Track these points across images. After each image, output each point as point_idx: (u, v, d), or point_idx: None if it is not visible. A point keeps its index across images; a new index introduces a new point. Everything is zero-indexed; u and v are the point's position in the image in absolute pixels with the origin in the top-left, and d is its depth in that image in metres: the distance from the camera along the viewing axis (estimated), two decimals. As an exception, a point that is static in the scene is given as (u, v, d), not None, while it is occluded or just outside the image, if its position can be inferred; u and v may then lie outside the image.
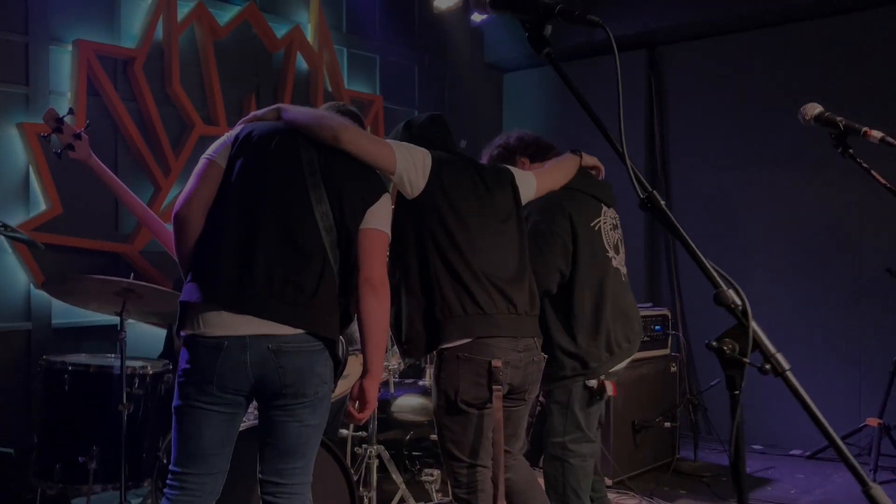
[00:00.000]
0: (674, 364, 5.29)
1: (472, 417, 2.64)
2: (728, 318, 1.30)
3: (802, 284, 5.79)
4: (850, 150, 2.19)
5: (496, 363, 2.57)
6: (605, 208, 3.16)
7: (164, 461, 3.21)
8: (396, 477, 3.84)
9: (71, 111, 3.32)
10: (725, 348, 1.30)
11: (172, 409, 2.40)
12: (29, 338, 4.29)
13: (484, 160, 3.18)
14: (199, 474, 2.38)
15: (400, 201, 2.66)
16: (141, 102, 4.70)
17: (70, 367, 3.47)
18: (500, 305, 2.65)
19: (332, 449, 3.21)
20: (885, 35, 5.48)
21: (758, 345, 1.29)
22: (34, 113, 4.19)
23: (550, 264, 2.95)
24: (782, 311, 5.80)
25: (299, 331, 2.32)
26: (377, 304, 2.41)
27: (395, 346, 3.33)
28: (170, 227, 2.75)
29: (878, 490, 1.19)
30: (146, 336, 4.37)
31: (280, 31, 5.44)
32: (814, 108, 2.26)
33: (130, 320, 3.68)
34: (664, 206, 1.38)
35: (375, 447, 3.71)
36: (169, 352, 4.02)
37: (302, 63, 5.59)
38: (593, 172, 3.21)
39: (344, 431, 3.87)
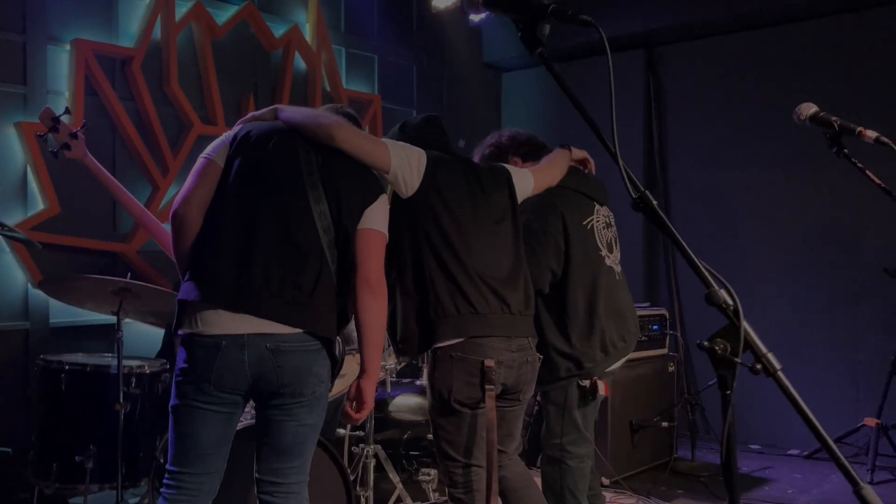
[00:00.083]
0: (671, 364, 5.29)
1: (465, 417, 2.64)
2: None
3: (800, 284, 5.79)
4: (845, 150, 2.19)
5: (489, 363, 2.57)
6: (597, 206, 3.15)
7: (161, 461, 3.22)
8: (393, 476, 3.84)
9: (67, 110, 3.32)
10: (717, 348, 1.30)
11: (169, 409, 2.40)
12: (27, 337, 4.29)
13: (476, 159, 3.17)
14: (195, 474, 2.38)
15: (395, 201, 2.67)
16: (139, 102, 4.70)
17: (67, 367, 3.48)
18: (494, 305, 2.65)
19: (328, 448, 3.21)
20: (884, 35, 5.48)
21: (749, 345, 1.29)
22: (32, 112, 4.19)
23: (542, 264, 2.94)
24: (780, 310, 5.80)
25: (297, 330, 2.33)
26: (375, 304, 2.42)
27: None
28: (167, 227, 2.76)
29: (868, 490, 1.19)
30: (144, 335, 4.37)
31: (278, 30, 5.45)
32: (809, 108, 2.27)
33: (128, 320, 3.68)
34: (656, 207, 1.38)
35: (372, 446, 3.72)
36: (167, 351, 4.02)
37: (300, 63, 5.59)
38: (581, 168, 3.20)
39: (341, 431, 3.87)
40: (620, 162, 1.39)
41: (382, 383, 4.01)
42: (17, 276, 4.26)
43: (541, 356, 2.84)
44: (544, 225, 2.97)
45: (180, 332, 2.38)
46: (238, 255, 2.34)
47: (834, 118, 2.20)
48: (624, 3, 6.15)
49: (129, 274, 3.57)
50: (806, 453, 5.55)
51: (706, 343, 1.29)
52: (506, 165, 2.95)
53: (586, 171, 3.21)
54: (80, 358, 3.68)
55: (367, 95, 6.05)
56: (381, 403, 4.13)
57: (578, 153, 3.16)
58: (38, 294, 4.19)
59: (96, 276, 3.44)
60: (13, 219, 4.20)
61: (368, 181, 2.53)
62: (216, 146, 2.49)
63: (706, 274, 1.32)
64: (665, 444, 5.18)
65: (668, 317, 5.37)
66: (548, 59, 1.51)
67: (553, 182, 3.03)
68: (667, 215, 5.66)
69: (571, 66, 6.39)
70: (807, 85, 5.59)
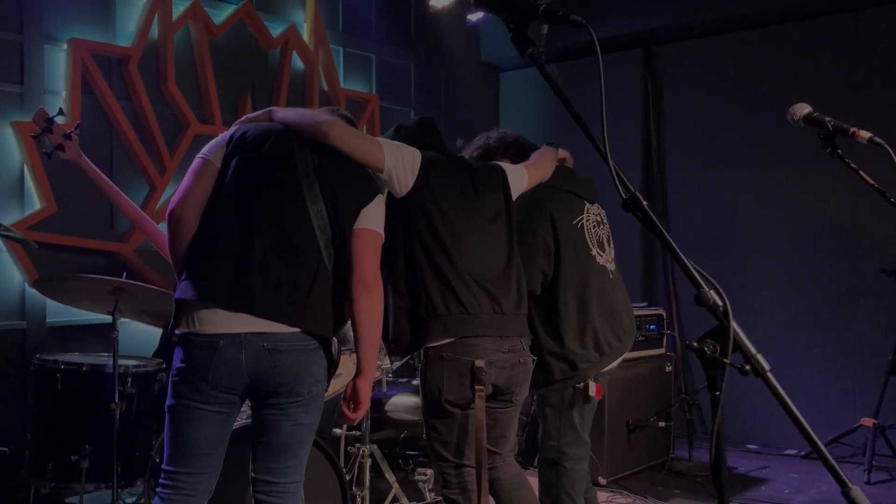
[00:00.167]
0: (669, 364, 5.29)
1: (456, 417, 2.64)
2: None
3: (798, 284, 5.79)
4: (839, 151, 2.19)
5: (479, 363, 2.57)
6: (587, 205, 3.12)
7: (157, 460, 3.22)
8: (389, 476, 3.84)
9: (61, 111, 3.31)
10: (706, 349, 1.30)
11: (166, 408, 2.40)
12: (23, 336, 4.29)
13: None
14: (192, 473, 2.38)
15: (389, 201, 2.67)
16: (136, 101, 4.70)
17: (63, 366, 3.48)
18: (485, 305, 2.65)
19: (324, 448, 3.21)
20: (882, 35, 5.48)
21: (738, 346, 1.29)
22: (29, 112, 4.19)
23: (532, 265, 2.92)
24: (778, 310, 5.81)
25: (295, 329, 2.33)
26: (371, 304, 2.43)
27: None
28: (162, 228, 2.76)
29: (857, 492, 1.19)
30: (140, 335, 4.37)
31: (276, 30, 5.44)
32: (802, 109, 2.26)
33: (125, 319, 3.68)
34: (646, 207, 1.38)
35: (368, 446, 3.71)
36: (165, 350, 4.02)
37: (298, 62, 5.58)
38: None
39: (337, 431, 3.87)
40: (611, 162, 1.39)
41: (378, 383, 4.01)
42: (14, 275, 4.26)
43: (534, 358, 2.84)
44: (533, 226, 2.95)
45: (177, 331, 2.38)
46: (235, 255, 2.35)
47: (827, 118, 2.20)
48: (622, 2, 6.14)
49: (124, 273, 3.57)
50: (803, 453, 5.55)
51: (695, 344, 1.29)
52: (500, 164, 2.95)
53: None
54: (75, 357, 3.68)
55: (365, 95, 6.05)
56: (378, 403, 4.13)
57: (562, 153, 3.16)
58: (34, 293, 4.18)
59: (91, 275, 3.44)
60: (10, 218, 4.20)
61: (365, 181, 2.54)
62: (212, 146, 2.51)
63: (696, 275, 1.32)
64: (662, 444, 5.18)
65: (665, 317, 5.36)
66: (539, 60, 1.51)
67: (545, 177, 3.03)
68: (664, 214, 5.65)
69: (568, 66, 6.39)
70: (806, 85, 5.59)
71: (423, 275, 2.63)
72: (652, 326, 5.20)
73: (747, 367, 1.29)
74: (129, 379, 3.49)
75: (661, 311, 5.37)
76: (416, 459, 4.22)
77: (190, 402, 2.34)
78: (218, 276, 2.34)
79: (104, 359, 3.64)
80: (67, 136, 3.20)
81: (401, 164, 2.63)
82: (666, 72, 6.46)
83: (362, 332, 2.43)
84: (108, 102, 4.56)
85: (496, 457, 2.80)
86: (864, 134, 2.11)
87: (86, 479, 3.38)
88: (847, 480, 1.20)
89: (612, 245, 3.22)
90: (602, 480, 4.65)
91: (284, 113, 2.56)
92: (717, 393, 1.30)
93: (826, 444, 5.03)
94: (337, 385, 3.48)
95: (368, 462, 3.70)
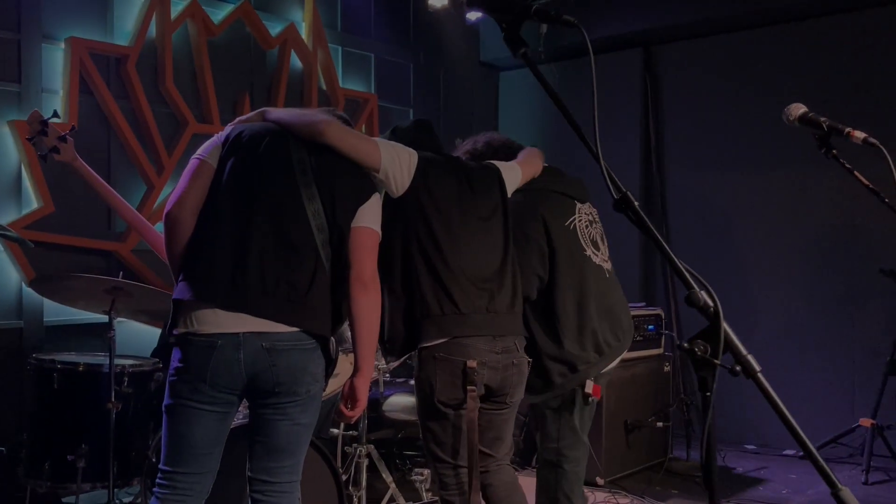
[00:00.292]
0: (667, 364, 5.28)
1: (449, 418, 2.64)
2: (724, 318, 1.30)
3: (796, 285, 5.78)
4: (834, 151, 2.19)
5: (471, 363, 2.57)
6: (578, 205, 3.10)
7: (154, 460, 3.22)
8: (386, 476, 3.84)
9: (55, 113, 3.30)
10: (697, 350, 1.29)
11: (163, 408, 2.40)
12: (21, 336, 4.29)
13: None
14: (189, 473, 2.38)
15: (385, 201, 2.67)
16: (134, 101, 4.69)
17: (59, 366, 3.48)
18: (479, 304, 2.65)
19: (320, 448, 3.21)
20: (882, 35, 5.48)
21: (729, 346, 1.29)
22: (26, 111, 4.18)
23: (528, 270, 2.90)
24: (776, 310, 5.80)
25: (293, 329, 2.34)
26: (368, 303, 2.43)
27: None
28: (159, 228, 2.75)
29: (846, 493, 1.19)
30: (138, 334, 4.37)
31: (274, 29, 5.44)
32: (798, 109, 2.26)
33: (121, 319, 3.68)
34: (638, 208, 1.38)
35: (365, 446, 3.71)
36: (163, 349, 4.02)
37: (296, 61, 5.58)
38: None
39: (334, 430, 3.87)
40: (602, 163, 1.39)
41: (376, 383, 4.01)
42: (11, 274, 4.26)
43: (529, 360, 2.82)
44: (526, 231, 2.93)
45: (175, 331, 2.38)
46: (233, 255, 2.35)
47: (823, 119, 2.19)
48: (622, 2, 6.14)
49: (121, 273, 3.57)
50: (801, 454, 5.53)
51: (686, 344, 1.29)
52: (495, 162, 2.94)
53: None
54: (72, 357, 3.68)
55: (364, 94, 6.04)
56: (375, 403, 4.12)
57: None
58: (32, 293, 4.18)
59: (88, 274, 3.44)
60: (7, 217, 4.20)
61: (362, 180, 2.54)
62: (208, 146, 2.51)
63: (687, 275, 1.32)
64: (660, 445, 5.18)
65: (663, 317, 5.35)
66: (531, 60, 1.51)
67: (537, 172, 3.03)
68: (663, 214, 5.64)
69: (567, 66, 6.38)
70: (806, 85, 5.59)
71: (418, 275, 2.63)
72: (650, 326, 5.19)
73: (738, 368, 1.28)
74: (126, 378, 3.49)
75: (659, 311, 5.36)
76: (413, 459, 4.22)
77: (188, 402, 2.34)
78: (216, 277, 2.34)
79: (101, 358, 3.64)
80: (62, 139, 3.19)
81: (397, 163, 2.63)
82: (665, 72, 6.46)
83: (360, 330, 2.43)
84: (106, 101, 4.56)
85: (490, 460, 2.79)
86: (859, 134, 2.11)
87: (82, 478, 3.38)
88: (837, 481, 1.20)
89: (605, 243, 3.20)
90: (600, 480, 4.65)
91: (279, 113, 2.56)
92: (708, 394, 1.30)
93: (824, 445, 5.09)
94: (334, 385, 3.48)
95: (365, 462, 3.70)
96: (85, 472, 3.39)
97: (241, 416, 3.01)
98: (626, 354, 3.22)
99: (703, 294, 1.31)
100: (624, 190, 1.39)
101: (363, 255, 2.44)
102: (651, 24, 6.14)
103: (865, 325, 5.49)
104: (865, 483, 4.78)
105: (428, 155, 2.74)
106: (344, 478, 3.45)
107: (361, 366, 2.46)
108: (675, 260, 1.33)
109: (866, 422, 4.95)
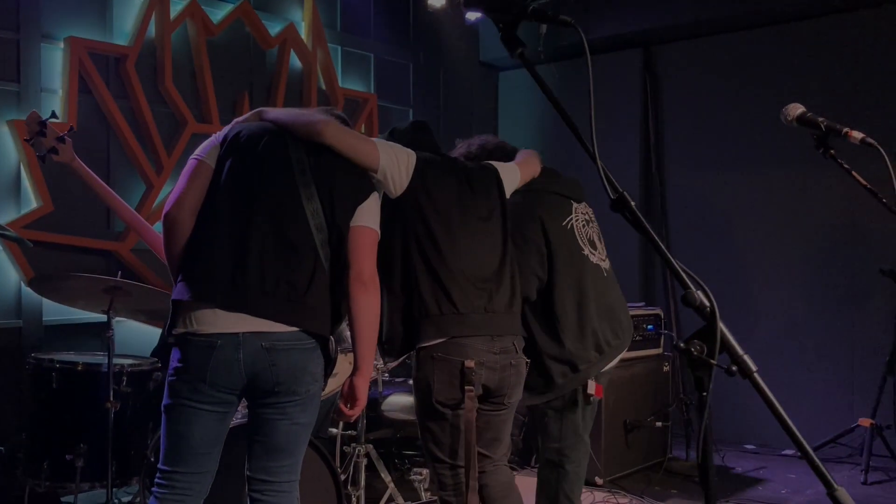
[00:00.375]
0: (666, 364, 5.28)
1: (448, 418, 2.64)
2: (723, 319, 1.30)
3: (797, 284, 5.78)
4: (832, 151, 2.18)
5: (469, 363, 2.57)
6: (574, 205, 3.10)
7: (152, 459, 3.22)
8: (385, 476, 3.84)
9: (53, 114, 3.30)
10: (693, 350, 1.30)
11: (162, 408, 2.40)
12: (19, 335, 4.29)
13: None
14: (188, 473, 2.38)
15: (384, 202, 2.67)
16: (133, 100, 4.69)
17: (58, 365, 3.48)
18: (477, 304, 2.64)
19: (319, 448, 3.21)
20: (882, 35, 5.47)
21: (725, 346, 1.29)
22: (25, 110, 4.18)
23: (527, 272, 2.90)
24: (776, 310, 5.80)
25: (293, 328, 2.34)
26: (367, 301, 2.43)
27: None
28: (157, 228, 2.75)
29: (842, 493, 1.19)
30: (137, 334, 4.37)
31: (274, 28, 5.44)
32: (796, 109, 2.26)
33: (120, 318, 3.68)
34: (634, 208, 1.38)
35: (364, 446, 3.71)
36: (163, 349, 4.01)
37: (296, 61, 5.58)
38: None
39: (333, 430, 3.87)
40: (599, 163, 1.39)
41: (374, 382, 4.01)
42: (10, 274, 4.26)
43: (527, 360, 2.82)
44: (525, 233, 2.92)
45: (174, 331, 2.38)
46: (232, 255, 2.35)
47: (821, 119, 2.19)
48: (622, 2, 6.14)
49: (119, 272, 3.57)
50: (800, 454, 5.53)
51: (682, 344, 1.29)
52: (493, 163, 2.94)
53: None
54: (71, 356, 3.68)
55: (364, 94, 6.04)
56: (374, 403, 4.13)
57: None
58: (31, 292, 4.18)
59: (87, 274, 3.44)
60: (6, 217, 4.20)
61: (360, 179, 2.54)
62: (206, 147, 2.51)
63: (683, 275, 1.32)
64: (659, 444, 5.18)
65: (662, 316, 5.36)
66: (528, 60, 1.51)
67: (535, 173, 3.03)
68: (663, 214, 5.64)
69: (566, 66, 6.38)
70: (806, 85, 5.58)
71: (417, 275, 2.63)
72: (649, 326, 5.19)
73: (734, 368, 1.28)
74: (125, 378, 3.49)
75: (658, 310, 5.36)
76: (411, 459, 4.22)
77: (187, 402, 2.34)
78: (216, 277, 2.34)
79: (99, 358, 3.65)
80: (61, 139, 3.19)
81: (395, 163, 2.63)
82: (665, 72, 6.45)
83: (359, 329, 2.43)
84: (105, 101, 4.55)
85: (487, 461, 2.78)
86: (857, 134, 2.11)
87: (81, 478, 3.39)
88: (833, 481, 1.20)
89: (602, 242, 3.20)
90: (599, 480, 4.65)
91: (276, 113, 2.56)
92: (704, 394, 1.30)
93: (824, 445, 5.09)
94: (333, 384, 3.48)
95: (364, 462, 3.70)
96: (84, 472, 3.39)
97: (239, 416, 3.01)
98: (625, 354, 3.22)
99: (700, 294, 1.31)
100: (620, 190, 1.39)
101: (362, 255, 2.44)
102: (651, 24, 6.14)
103: (865, 325, 5.49)
104: (865, 483, 4.78)
105: (426, 155, 2.74)
106: (343, 477, 3.45)
107: (361, 365, 2.46)
108: (672, 260, 1.33)
109: (865, 422, 4.96)
